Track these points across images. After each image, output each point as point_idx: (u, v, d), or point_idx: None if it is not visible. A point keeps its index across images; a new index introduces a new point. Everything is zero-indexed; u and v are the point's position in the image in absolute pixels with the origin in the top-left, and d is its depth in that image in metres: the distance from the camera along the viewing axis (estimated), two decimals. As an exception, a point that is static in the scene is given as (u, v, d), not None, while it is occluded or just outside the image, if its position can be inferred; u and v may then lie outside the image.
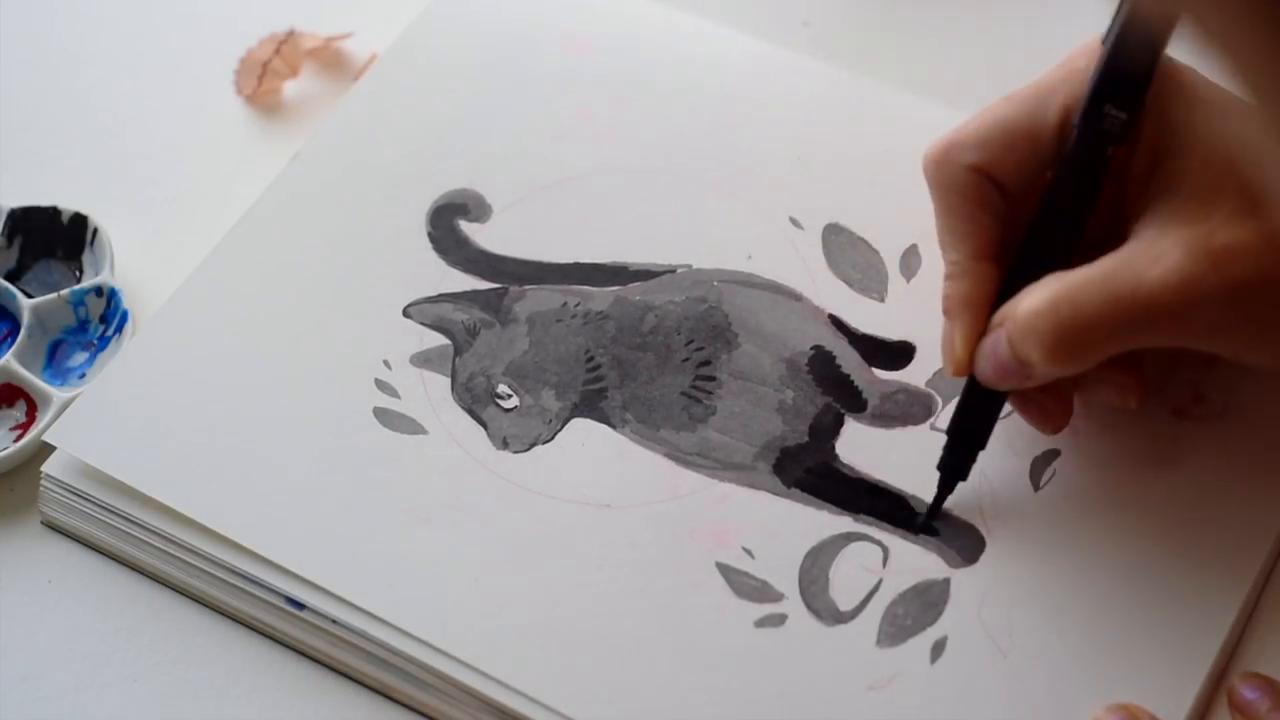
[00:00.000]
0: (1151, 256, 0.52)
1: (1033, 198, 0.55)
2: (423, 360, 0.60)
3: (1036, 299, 0.53)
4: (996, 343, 0.54)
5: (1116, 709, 0.52)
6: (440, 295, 0.61)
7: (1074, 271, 0.53)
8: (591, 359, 0.60)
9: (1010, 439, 0.57)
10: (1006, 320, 0.54)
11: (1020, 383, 0.54)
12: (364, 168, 0.64)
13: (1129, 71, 0.53)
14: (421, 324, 0.61)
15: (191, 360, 0.60)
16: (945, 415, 0.58)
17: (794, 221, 0.62)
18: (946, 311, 0.56)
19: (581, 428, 0.58)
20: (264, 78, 0.69)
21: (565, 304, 0.61)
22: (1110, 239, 0.54)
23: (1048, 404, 0.56)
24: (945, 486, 0.56)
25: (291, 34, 0.70)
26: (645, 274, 0.62)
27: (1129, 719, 0.52)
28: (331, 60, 0.71)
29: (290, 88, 0.70)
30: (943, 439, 0.57)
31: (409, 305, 0.61)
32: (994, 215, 0.55)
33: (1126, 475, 0.56)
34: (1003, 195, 0.56)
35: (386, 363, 0.60)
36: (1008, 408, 0.57)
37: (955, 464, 0.56)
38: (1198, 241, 0.51)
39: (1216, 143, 0.53)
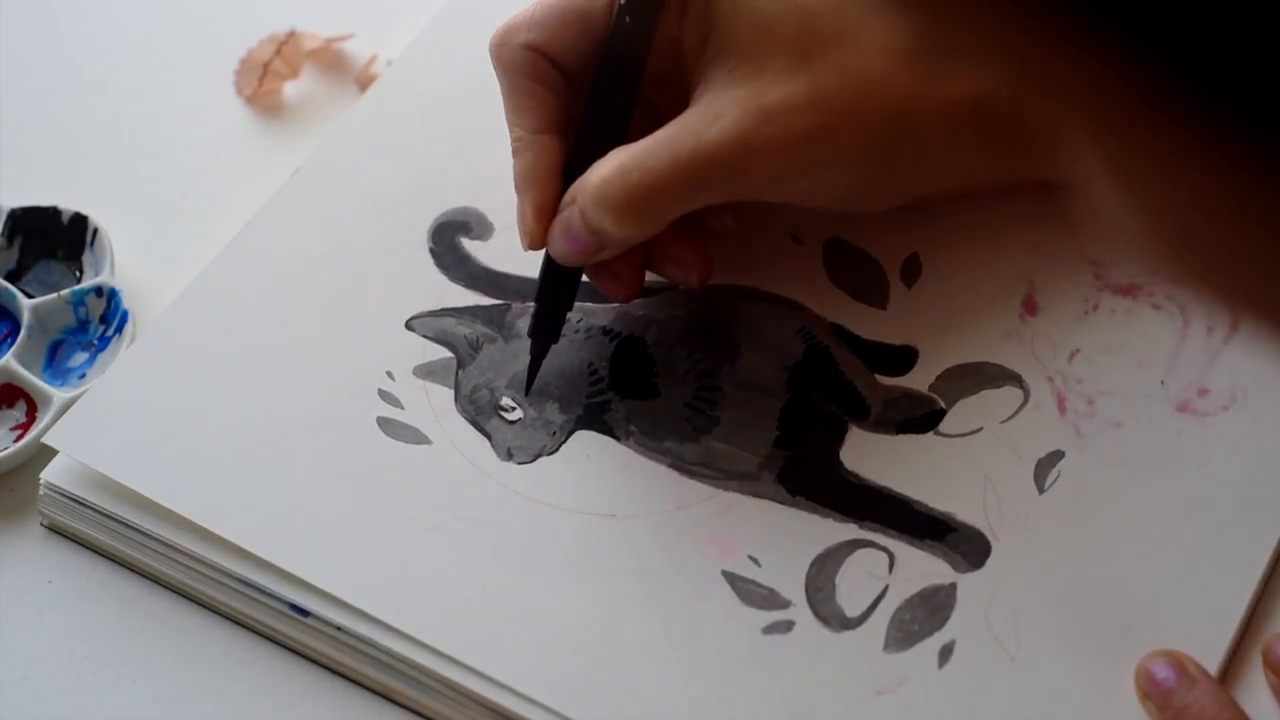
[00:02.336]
0: (708, 118, 0.55)
1: (591, 75, 0.58)
2: (426, 372, 0.60)
3: (605, 169, 0.55)
4: (569, 219, 0.56)
5: (1160, 654, 0.53)
6: (443, 309, 0.61)
7: (638, 142, 0.55)
8: (595, 372, 0.60)
9: (1014, 442, 0.58)
10: (578, 195, 0.56)
11: (594, 255, 0.57)
12: (366, 183, 0.64)
13: None
14: (424, 337, 0.61)
15: (194, 369, 0.59)
16: (950, 422, 0.58)
17: (795, 238, 0.63)
18: (516, 187, 0.58)
19: (586, 439, 0.58)
20: (264, 78, 0.69)
21: (567, 320, 0.61)
22: (676, 113, 0.56)
23: (620, 270, 0.59)
24: (538, 351, 0.58)
25: (292, 35, 0.70)
26: (646, 290, 0.62)
27: (1174, 664, 0.53)
28: (332, 61, 0.71)
29: (291, 88, 0.70)
30: (948, 444, 0.57)
31: (412, 318, 0.61)
32: (553, 91, 0.58)
33: (1132, 474, 0.57)
34: (562, 74, 0.58)
35: (390, 374, 0.60)
36: None
37: (545, 327, 0.58)
38: (750, 100, 0.55)
39: (760, 4, 0.56)
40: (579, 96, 0.58)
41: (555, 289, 0.59)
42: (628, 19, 0.57)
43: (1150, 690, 0.53)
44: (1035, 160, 0.58)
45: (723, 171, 0.55)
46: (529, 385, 0.59)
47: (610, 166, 0.55)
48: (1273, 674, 0.54)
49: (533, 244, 0.57)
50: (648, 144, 0.55)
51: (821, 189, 0.58)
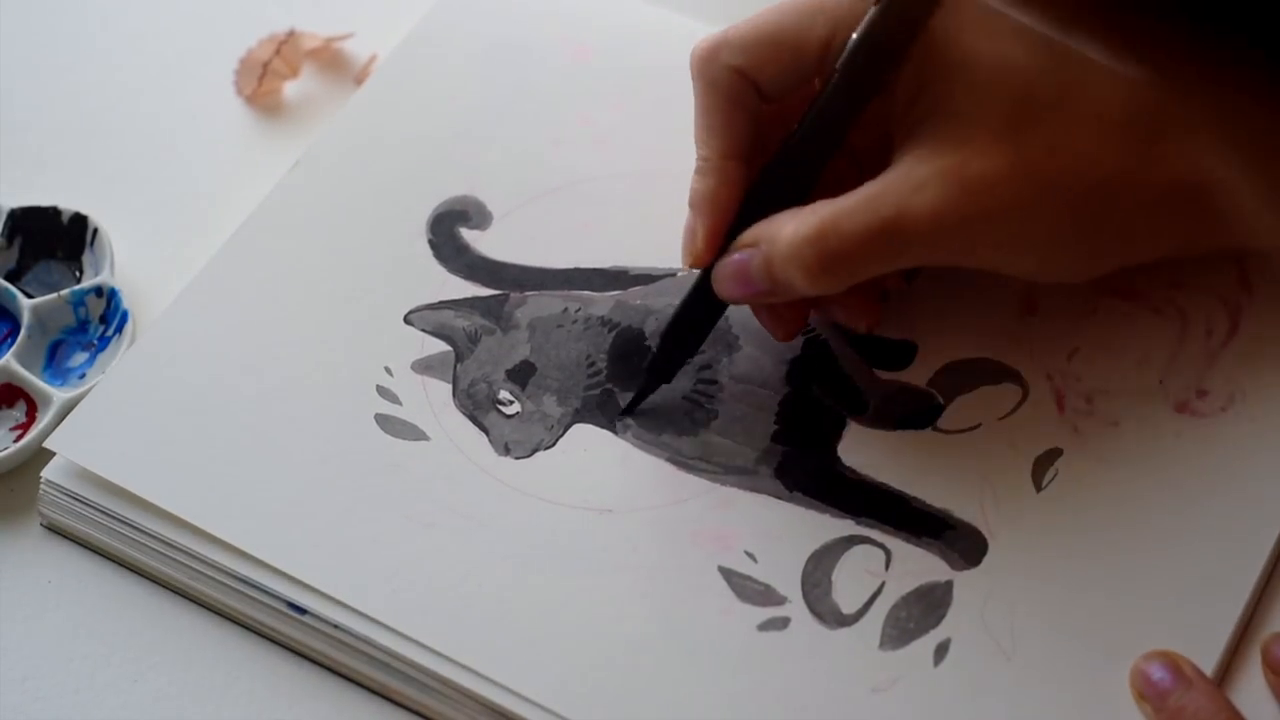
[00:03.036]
0: (911, 185, 0.53)
1: (791, 110, 0.57)
2: (424, 367, 0.60)
3: (803, 224, 0.54)
4: (748, 262, 0.55)
5: (1156, 655, 0.53)
6: (441, 302, 0.61)
7: (839, 199, 0.54)
8: (593, 364, 0.60)
9: (1012, 439, 0.58)
10: (763, 243, 0.55)
11: (764, 300, 0.57)
12: (364, 175, 0.64)
13: None
14: (423, 330, 0.61)
15: (192, 367, 0.60)
16: (948, 418, 0.58)
17: None
18: (692, 205, 0.57)
19: (583, 433, 0.58)
20: (264, 78, 0.69)
21: (566, 309, 0.61)
22: (877, 165, 0.55)
23: (785, 312, 0.58)
24: (649, 386, 0.58)
25: (292, 34, 0.70)
26: (646, 278, 0.62)
27: (1170, 665, 0.53)
28: (331, 61, 0.71)
29: (290, 88, 0.70)
30: (946, 440, 0.57)
31: (410, 312, 0.61)
32: (750, 117, 0.57)
33: (1130, 473, 0.57)
34: (761, 100, 0.57)
35: (388, 369, 0.60)
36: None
37: (664, 367, 0.58)
38: (954, 172, 0.53)
39: (981, 64, 0.54)
40: (770, 126, 0.57)
41: (689, 327, 0.58)
42: (862, 60, 0.55)
43: (1146, 691, 0.53)
44: (1244, 236, 0.56)
45: (921, 242, 0.54)
46: (629, 410, 0.58)
47: (809, 225, 0.54)
48: (1271, 673, 0.54)
49: (695, 263, 0.57)
50: (847, 205, 0.54)
51: (1017, 259, 0.56)
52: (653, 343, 0.60)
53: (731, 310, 0.60)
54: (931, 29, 0.55)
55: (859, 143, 0.57)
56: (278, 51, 0.69)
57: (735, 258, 0.56)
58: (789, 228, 0.54)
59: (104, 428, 0.58)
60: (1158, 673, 0.52)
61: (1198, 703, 0.52)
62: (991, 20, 0.55)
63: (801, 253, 0.54)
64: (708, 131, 0.57)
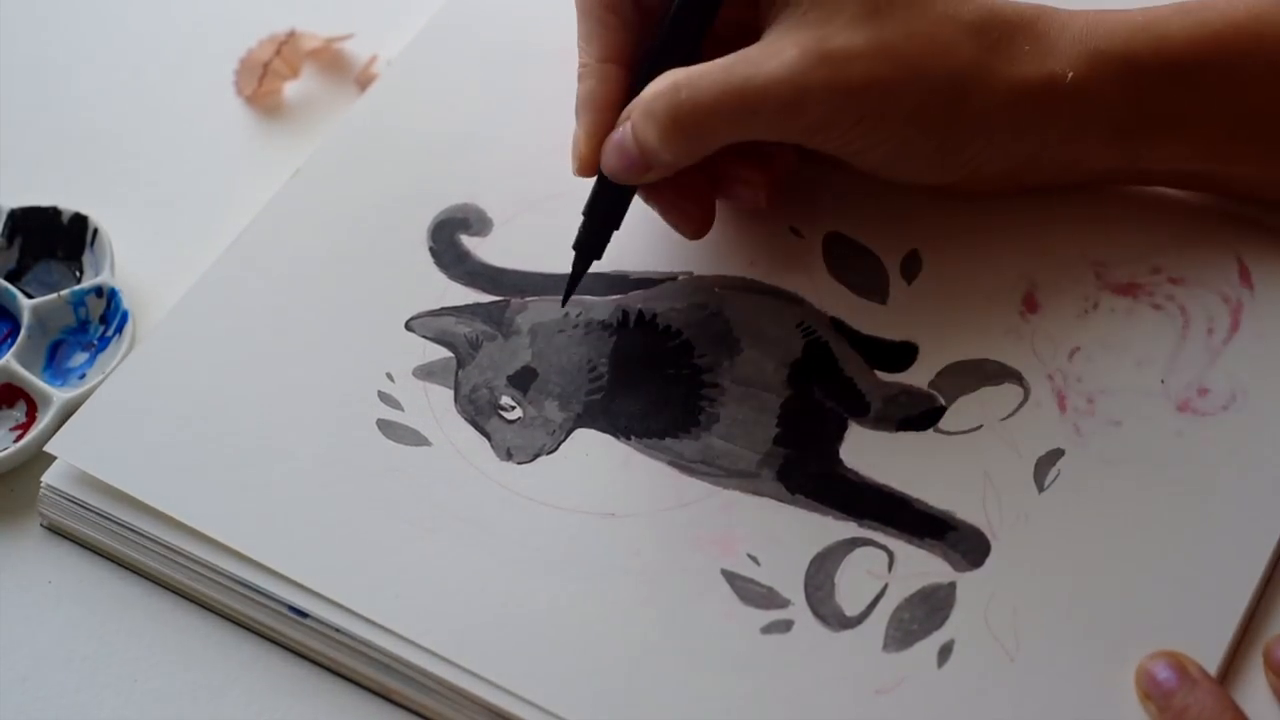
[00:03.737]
0: (770, 54, 0.56)
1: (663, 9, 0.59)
2: (425, 373, 0.60)
3: (657, 84, 0.56)
4: (622, 135, 0.57)
5: (1161, 655, 0.53)
6: (442, 308, 0.61)
7: (699, 65, 0.56)
8: (594, 369, 0.60)
9: (1014, 440, 0.58)
10: (632, 107, 0.57)
11: (643, 173, 0.57)
12: (365, 182, 0.64)
13: None
14: (424, 337, 0.61)
15: (194, 372, 0.59)
16: (950, 420, 0.58)
17: (794, 231, 0.63)
18: (576, 112, 0.59)
19: (585, 438, 0.58)
20: (264, 78, 0.69)
21: (567, 314, 0.61)
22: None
23: (686, 206, 0.59)
24: (581, 264, 0.59)
25: (292, 35, 0.70)
26: (646, 282, 0.62)
27: (1175, 665, 0.53)
28: (332, 61, 0.71)
29: (290, 89, 0.70)
30: (948, 441, 0.57)
31: (411, 319, 0.61)
32: (624, 22, 0.59)
33: (1131, 473, 0.57)
34: (637, 7, 0.59)
35: (389, 375, 0.60)
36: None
37: (591, 242, 0.59)
38: (814, 43, 0.56)
39: None
40: (649, 31, 0.59)
41: (604, 207, 0.59)
42: None
43: (1151, 691, 0.53)
44: (1100, 147, 0.59)
45: (773, 106, 0.56)
46: (565, 299, 0.60)
47: (663, 83, 0.56)
48: (1274, 675, 0.54)
49: (580, 169, 0.58)
50: (703, 67, 0.56)
51: (873, 144, 0.58)
52: (655, 347, 0.60)
53: (732, 314, 0.60)
54: None
55: (726, 38, 0.58)
56: (278, 52, 0.69)
57: (615, 132, 0.58)
58: (648, 89, 0.57)
59: (105, 432, 0.58)
60: (1163, 673, 0.53)
61: (1202, 703, 0.52)
62: None
63: (653, 108, 0.56)
64: (585, 39, 0.59)
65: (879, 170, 0.59)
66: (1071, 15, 0.58)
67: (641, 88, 0.57)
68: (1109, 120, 0.58)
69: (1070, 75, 0.57)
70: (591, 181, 0.59)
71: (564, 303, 0.60)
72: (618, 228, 0.59)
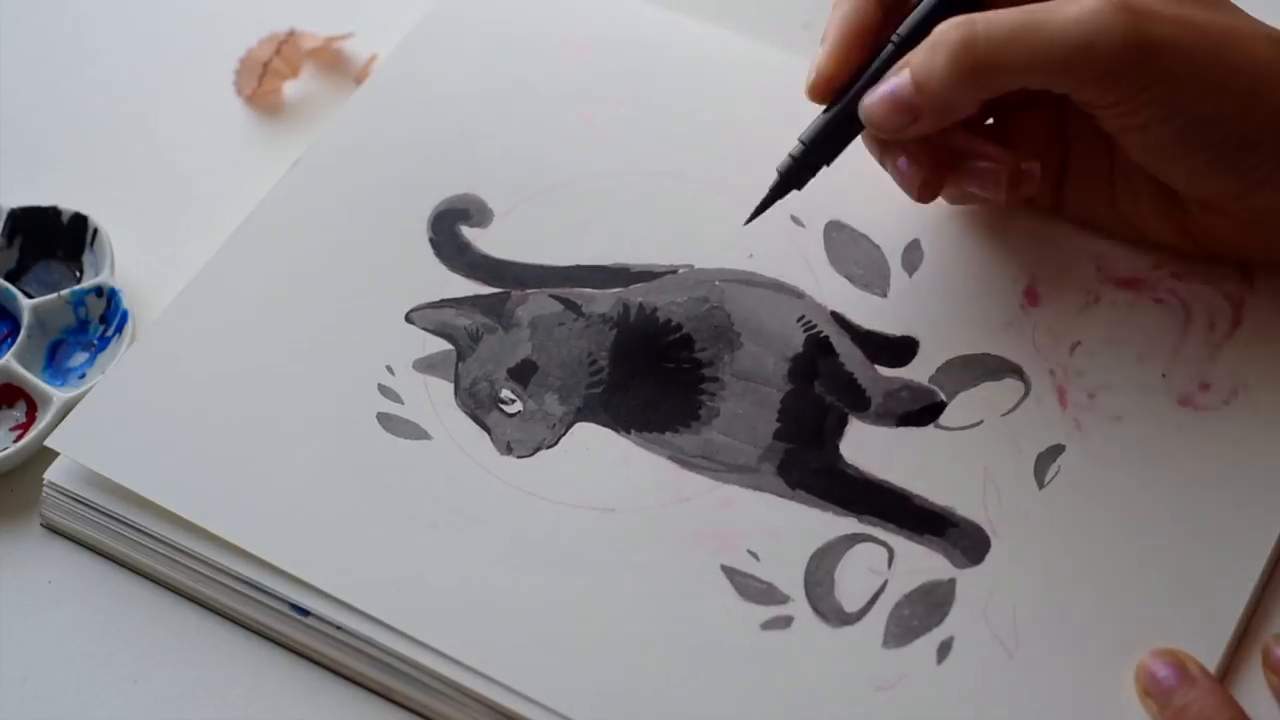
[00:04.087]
0: (1068, 1, 0.54)
1: None
2: (426, 365, 0.60)
3: (952, 20, 0.54)
4: (898, 81, 0.55)
5: (1161, 652, 0.53)
6: (442, 300, 0.61)
7: (989, 11, 0.55)
8: (594, 362, 0.60)
9: (1014, 435, 0.57)
10: (911, 58, 0.55)
11: (909, 123, 0.56)
12: (365, 174, 0.64)
13: None
14: (424, 329, 0.60)
15: (193, 366, 0.59)
16: (950, 415, 0.58)
17: (795, 220, 0.62)
18: (824, 35, 0.57)
19: (585, 432, 0.58)
20: (264, 78, 0.69)
21: (568, 310, 0.61)
22: None
23: (923, 158, 0.57)
24: (779, 190, 0.58)
25: (292, 34, 0.70)
26: (647, 275, 0.62)
27: (1175, 663, 0.52)
28: (332, 61, 0.71)
29: (290, 88, 0.70)
30: (949, 437, 0.57)
31: (411, 311, 0.61)
32: None
33: (1132, 469, 0.57)
34: None
35: (389, 368, 0.60)
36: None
37: (800, 173, 0.58)
38: None
39: None
40: None
41: (826, 140, 0.58)
42: None
43: (1151, 688, 0.52)
44: None
45: (1068, 51, 0.54)
46: (752, 217, 0.58)
47: (959, 20, 0.54)
48: (1273, 674, 0.53)
49: (815, 89, 0.57)
50: (1000, 10, 0.54)
51: (1162, 116, 0.55)
52: (656, 340, 0.60)
53: (733, 308, 0.60)
54: None
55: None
56: (278, 51, 0.69)
57: (889, 80, 0.56)
58: (938, 29, 0.55)
59: (105, 427, 0.58)
60: (1162, 670, 0.52)
61: (1202, 701, 0.52)
62: None
63: (948, 37, 0.54)
64: None
65: (1158, 157, 0.56)
66: None
67: (907, 33, 0.56)
68: None
69: None
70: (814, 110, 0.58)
71: (747, 221, 0.58)
72: (830, 164, 0.58)
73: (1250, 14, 0.56)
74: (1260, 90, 0.55)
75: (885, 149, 0.58)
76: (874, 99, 0.56)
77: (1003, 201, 0.59)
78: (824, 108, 0.58)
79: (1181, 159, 0.56)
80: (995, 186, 0.58)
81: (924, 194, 0.58)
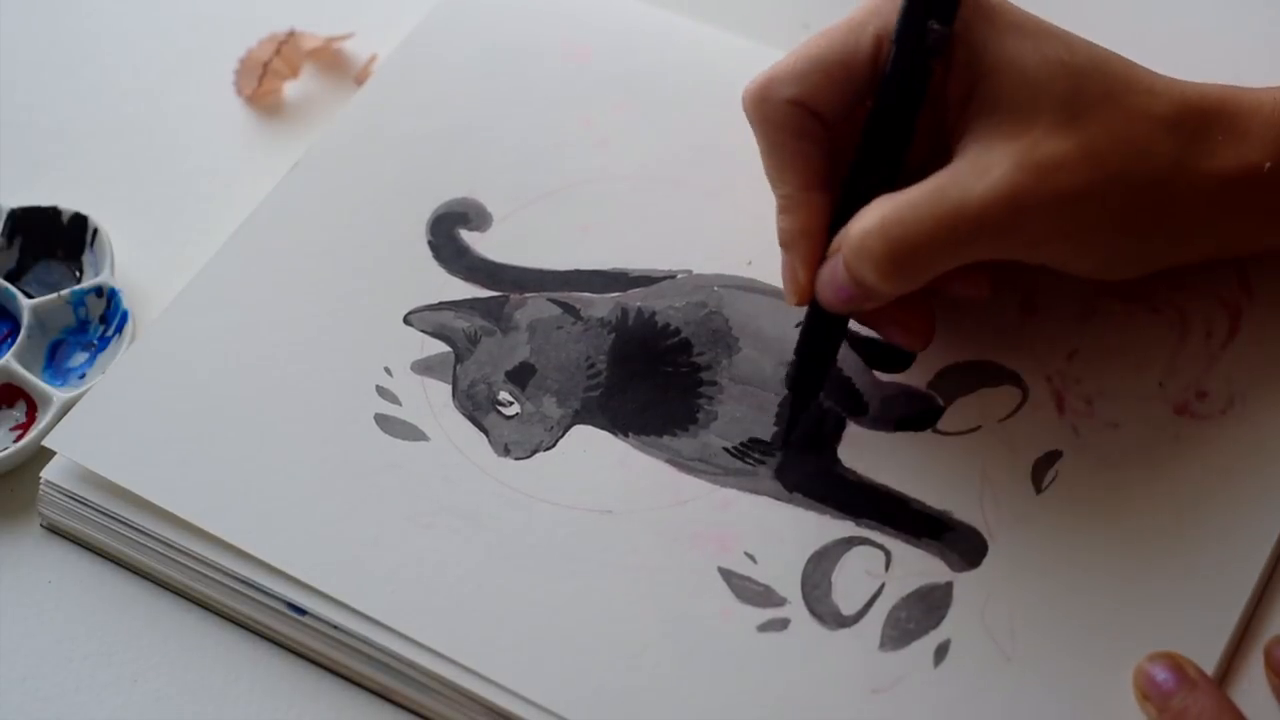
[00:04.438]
0: (977, 171, 0.53)
1: (854, 126, 0.56)
2: (424, 367, 0.60)
3: (866, 220, 0.54)
4: (835, 268, 0.55)
5: (1160, 656, 0.53)
6: (441, 303, 0.61)
7: (903, 191, 0.54)
8: (592, 365, 0.60)
9: (1012, 441, 0.58)
10: (841, 245, 0.55)
11: (862, 304, 0.56)
12: (364, 176, 0.64)
13: None
14: (422, 331, 0.61)
15: (192, 367, 0.60)
16: (948, 420, 0.58)
17: None
18: (783, 245, 0.57)
19: (583, 434, 0.58)
20: (264, 78, 0.69)
21: (566, 314, 0.61)
22: (935, 166, 0.55)
23: (908, 321, 0.57)
24: (799, 405, 0.57)
25: (292, 34, 0.70)
26: (645, 279, 0.62)
27: (1174, 667, 0.53)
28: (332, 61, 0.71)
29: (290, 88, 0.70)
30: (946, 442, 0.57)
31: (410, 313, 0.61)
32: (817, 146, 0.57)
33: (1129, 475, 0.57)
34: (824, 126, 0.57)
35: (387, 369, 0.60)
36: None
37: (807, 382, 0.57)
38: (1021, 154, 0.53)
39: (1028, 60, 0.55)
40: (839, 147, 0.57)
41: (820, 340, 0.57)
42: (903, 66, 0.55)
43: (1149, 691, 0.53)
44: None
45: (990, 228, 0.53)
46: (785, 440, 0.58)
47: (871, 217, 0.54)
48: (1274, 675, 0.54)
49: (800, 299, 0.57)
50: (911, 195, 0.54)
51: (1083, 254, 0.56)
52: (654, 345, 0.60)
53: (731, 313, 0.60)
54: (970, 31, 0.55)
55: (918, 160, 0.56)
56: (278, 51, 0.69)
57: (826, 264, 0.56)
58: (856, 224, 0.54)
59: (103, 427, 0.58)
60: (1161, 674, 0.53)
61: (1201, 704, 0.52)
62: (1026, 22, 0.55)
63: (867, 245, 0.54)
64: (780, 170, 0.57)
65: (1081, 274, 0.57)
66: (1259, 96, 0.56)
67: (848, 206, 0.55)
68: None
69: (1268, 166, 0.55)
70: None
71: (784, 443, 0.58)
72: (833, 362, 0.58)
73: (1151, 70, 0.56)
74: (1169, 196, 0.55)
75: (865, 316, 0.58)
76: (823, 288, 0.56)
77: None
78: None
79: (1107, 273, 0.58)
80: (981, 291, 0.58)
81: (919, 345, 0.58)
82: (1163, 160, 0.54)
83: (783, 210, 0.57)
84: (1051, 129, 0.53)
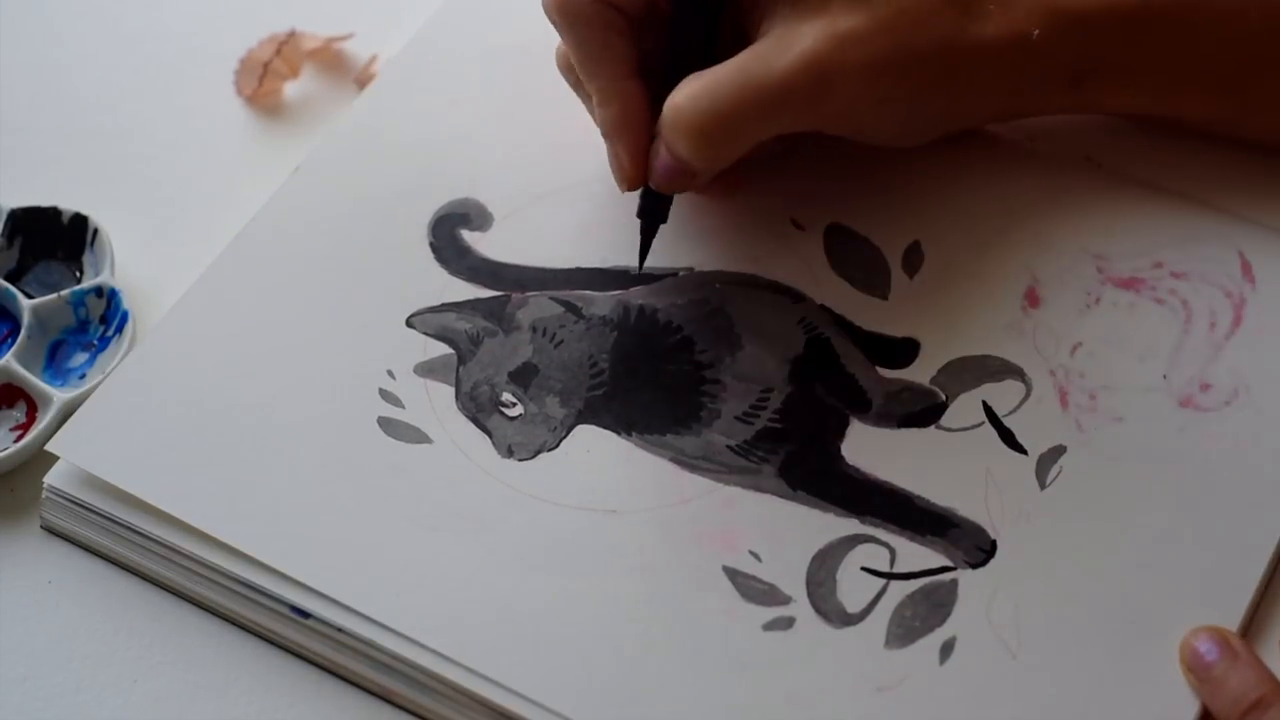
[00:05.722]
0: (781, 46, 0.57)
1: (658, 18, 0.59)
2: (427, 370, 0.60)
3: (678, 96, 0.57)
4: (657, 149, 0.58)
5: (1206, 629, 0.53)
6: (443, 305, 0.61)
7: (711, 69, 0.57)
8: (595, 365, 0.60)
9: (1017, 438, 0.57)
10: (660, 126, 0.58)
11: (688, 183, 0.59)
12: (366, 178, 0.64)
13: None
14: (425, 334, 0.60)
15: (195, 371, 0.59)
16: (951, 416, 0.58)
17: (795, 223, 0.62)
18: (606, 135, 0.59)
19: (586, 434, 0.58)
20: (264, 78, 0.69)
21: (567, 315, 0.61)
22: (739, 50, 0.58)
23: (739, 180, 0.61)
24: (647, 231, 0.60)
25: (292, 35, 0.70)
26: (647, 278, 0.62)
27: (1220, 640, 0.53)
28: (332, 61, 0.71)
29: (291, 88, 0.70)
30: (950, 438, 0.57)
31: (412, 315, 0.61)
32: (623, 38, 0.59)
33: (1133, 470, 0.57)
34: (627, 20, 0.59)
35: (390, 373, 0.60)
36: None
37: (652, 212, 0.60)
38: (823, 29, 0.57)
39: None
40: (645, 34, 0.59)
41: (653, 208, 0.60)
42: None
43: (1193, 663, 0.53)
44: (1058, 96, 0.61)
45: (797, 98, 0.57)
46: (641, 263, 0.61)
47: (682, 93, 0.57)
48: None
49: (630, 185, 0.59)
50: (718, 71, 0.57)
51: (882, 121, 0.60)
52: (656, 343, 0.60)
53: (734, 310, 0.60)
54: None
55: (723, 49, 0.58)
56: (278, 52, 0.69)
57: (654, 148, 0.59)
58: (669, 101, 0.57)
59: (106, 431, 0.58)
60: (1205, 645, 0.53)
61: (1241, 674, 0.52)
62: None
63: (679, 120, 0.57)
64: (593, 63, 0.59)
65: (882, 143, 0.61)
66: None
67: (665, 93, 0.57)
68: (1066, 72, 0.60)
69: (1035, 33, 0.59)
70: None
71: (639, 267, 0.61)
72: (665, 221, 0.61)
73: None
74: (953, 63, 0.59)
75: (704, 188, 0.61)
76: (655, 172, 0.59)
77: None
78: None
79: (901, 139, 0.62)
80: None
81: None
82: (943, 30, 0.58)
83: (600, 104, 0.59)
84: (847, 6, 0.57)
